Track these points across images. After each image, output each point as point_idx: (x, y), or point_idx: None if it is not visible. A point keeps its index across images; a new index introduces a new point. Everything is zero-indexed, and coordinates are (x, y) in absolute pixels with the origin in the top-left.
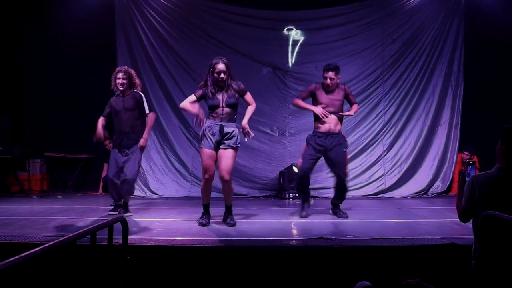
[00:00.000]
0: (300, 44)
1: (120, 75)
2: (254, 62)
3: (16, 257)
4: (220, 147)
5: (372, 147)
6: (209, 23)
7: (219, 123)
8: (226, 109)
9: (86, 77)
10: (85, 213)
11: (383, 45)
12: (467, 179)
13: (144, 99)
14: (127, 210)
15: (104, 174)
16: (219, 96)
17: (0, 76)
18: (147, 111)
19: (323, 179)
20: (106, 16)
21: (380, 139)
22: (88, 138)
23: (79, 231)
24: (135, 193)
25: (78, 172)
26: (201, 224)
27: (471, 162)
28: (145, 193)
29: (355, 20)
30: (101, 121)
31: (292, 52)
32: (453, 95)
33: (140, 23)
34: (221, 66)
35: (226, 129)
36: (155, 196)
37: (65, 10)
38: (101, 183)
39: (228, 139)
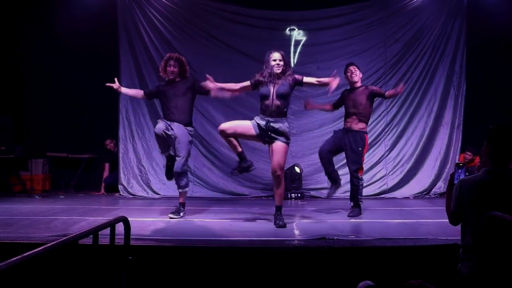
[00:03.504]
0: (302, 44)
1: (172, 62)
2: (256, 62)
3: (18, 256)
4: (272, 143)
5: (374, 147)
6: (210, 23)
7: (266, 118)
8: (276, 102)
9: (88, 77)
10: (87, 213)
11: (385, 45)
12: (456, 181)
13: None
14: (176, 212)
15: (105, 174)
16: (271, 87)
17: (2, 75)
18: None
19: (325, 179)
20: (108, 16)
21: (382, 139)
22: (90, 138)
23: (81, 231)
24: (137, 193)
25: (80, 172)
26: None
27: (460, 165)
28: (147, 193)
29: (357, 20)
30: (138, 91)
31: (294, 52)
32: (455, 95)
33: (142, 23)
34: (276, 54)
35: (273, 125)
36: (157, 196)
37: (67, 9)
38: (103, 183)
39: (278, 134)
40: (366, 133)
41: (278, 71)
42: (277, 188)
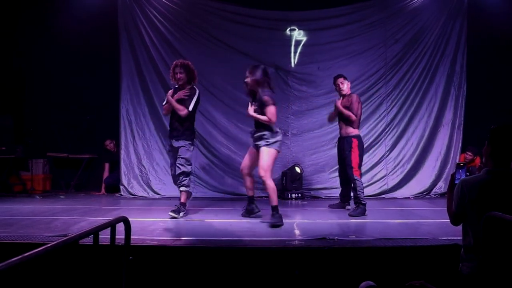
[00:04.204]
0: (303, 45)
1: (177, 69)
2: (257, 62)
3: (19, 256)
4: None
5: (375, 147)
6: (210, 23)
7: (252, 129)
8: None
9: (89, 77)
10: (88, 213)
11: (385, 46)
12: (456, 182)
13: (196, 96)
14: (176, 211)
15: (105, 175)
16: (249, 104)
17: (2, 75)
18: (190, 107)
19: (325, 179)
20: (108, 16)
21: (383, 139)
22: (90, 138)
23: (82, 231)
24: (137, 193)
25: (80, 172)
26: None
27: (461, 165)
28: (148, 193)
29: (357, 20)
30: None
31: (295, 52)
32: (456, 95)
33: (142, 23)
34: (246, 73)
35: (255, 135)
36: (157, 196)
37: (67, 9)
38: (103, 184)
39: (258, 139)
40: (355, 136)
41: (247, 91)
42: (266, 189)
